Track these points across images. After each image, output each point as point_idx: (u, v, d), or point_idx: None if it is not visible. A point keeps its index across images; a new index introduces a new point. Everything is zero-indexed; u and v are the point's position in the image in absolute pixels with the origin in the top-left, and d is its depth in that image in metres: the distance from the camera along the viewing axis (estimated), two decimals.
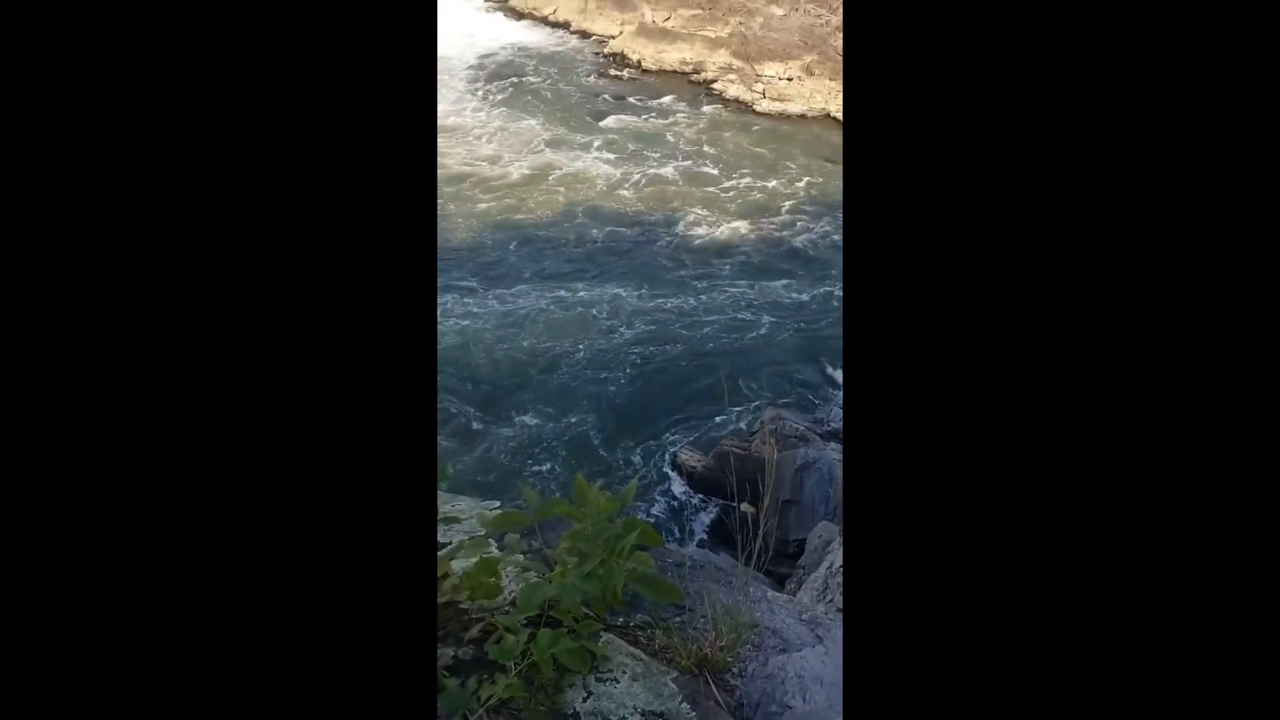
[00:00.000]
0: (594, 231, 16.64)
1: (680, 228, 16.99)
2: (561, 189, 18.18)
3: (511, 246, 16.08)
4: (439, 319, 13.98)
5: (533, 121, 21.40)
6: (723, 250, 16.32)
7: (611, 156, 19.64)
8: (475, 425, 11.72)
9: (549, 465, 11.14)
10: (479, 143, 20.23)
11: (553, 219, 17.09)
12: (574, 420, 11.92)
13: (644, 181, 18.67)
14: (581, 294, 14.73)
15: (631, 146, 20.24)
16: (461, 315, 14.16)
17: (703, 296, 14.88)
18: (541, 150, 19.91)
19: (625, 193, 18.18)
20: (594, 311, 14.28)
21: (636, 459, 11.34)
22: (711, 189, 18.49)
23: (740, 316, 14.37)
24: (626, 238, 16.59)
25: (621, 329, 13.87)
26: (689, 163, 19.61)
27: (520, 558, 1.65)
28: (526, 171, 18.82)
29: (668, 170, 19.15)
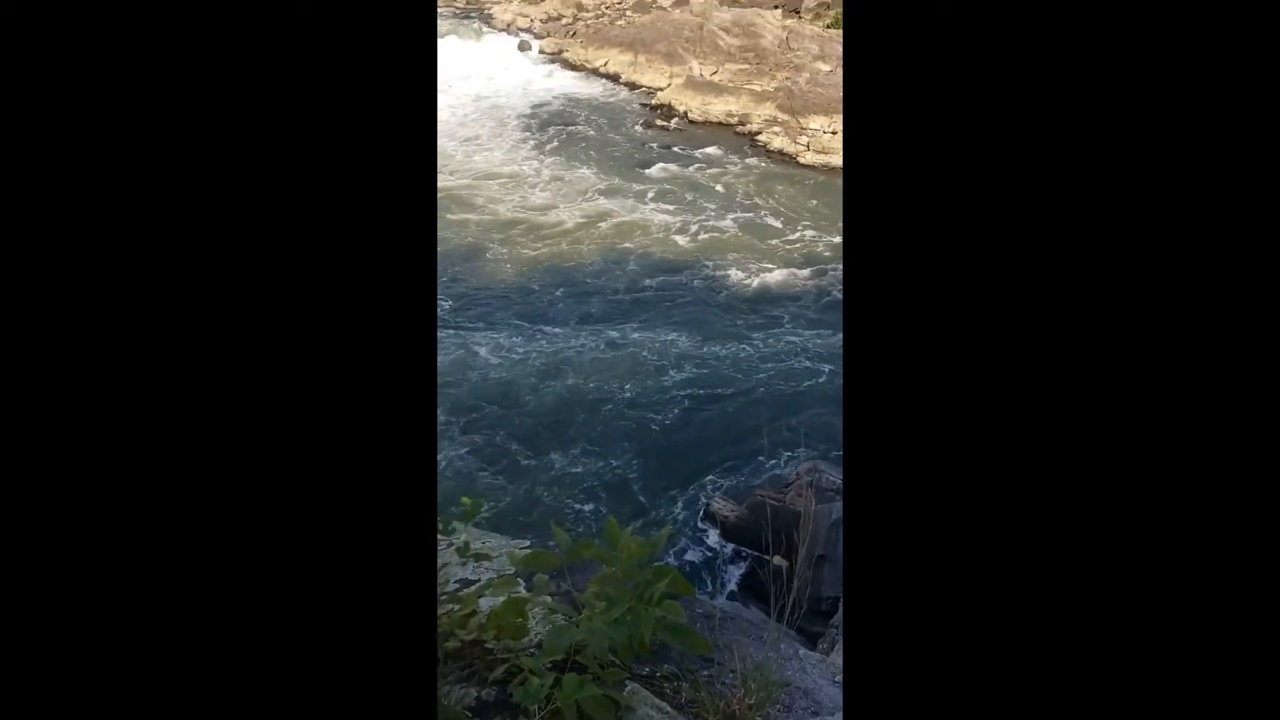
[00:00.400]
0: (648, 281, 16.68)
1: (739, 277, 16.97)
2: (616, 238, 18.38)
3: (559, 292, 16.19)
4: (487, 356, 14.13)
5: (587, 170, 21.84)
6: (782, 300, 16.23)
7: (670, 207, 19.76)
8: (520, 461, 11.71)
9: (591, 506, 11.05)
10: (533, 190, 20.67)
11: (606, 266, 17.22)
12: (616, 462, 11.83)
13: (701, 231, 18.72)
14: (634, 336, 14.71)
15: (690, 196, 20.37)
16: (509, 352, 14.29)
17: (758, 344, 14.71)
18: (596, 199, 20.21)
19: (682, 242, 18.23)
20: (644, 354, 14.24)
21: (677, 505, 11.19)
22: (774, 241, 18.46)
23: (800, 364, 14.13)
24: (682, 285, 16.56)
25: (671, 371, 13.77)
26: (750, 215, 19.63)
27: (548, 599, 1.64)
28: (580, 219, 19.09)
29: (726, 222, 19.15)
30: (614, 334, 14.85)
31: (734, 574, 10.21)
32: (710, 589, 9.77)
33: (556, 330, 14.94)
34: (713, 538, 10.67)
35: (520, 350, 14.39)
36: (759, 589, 9.38)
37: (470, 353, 14.33)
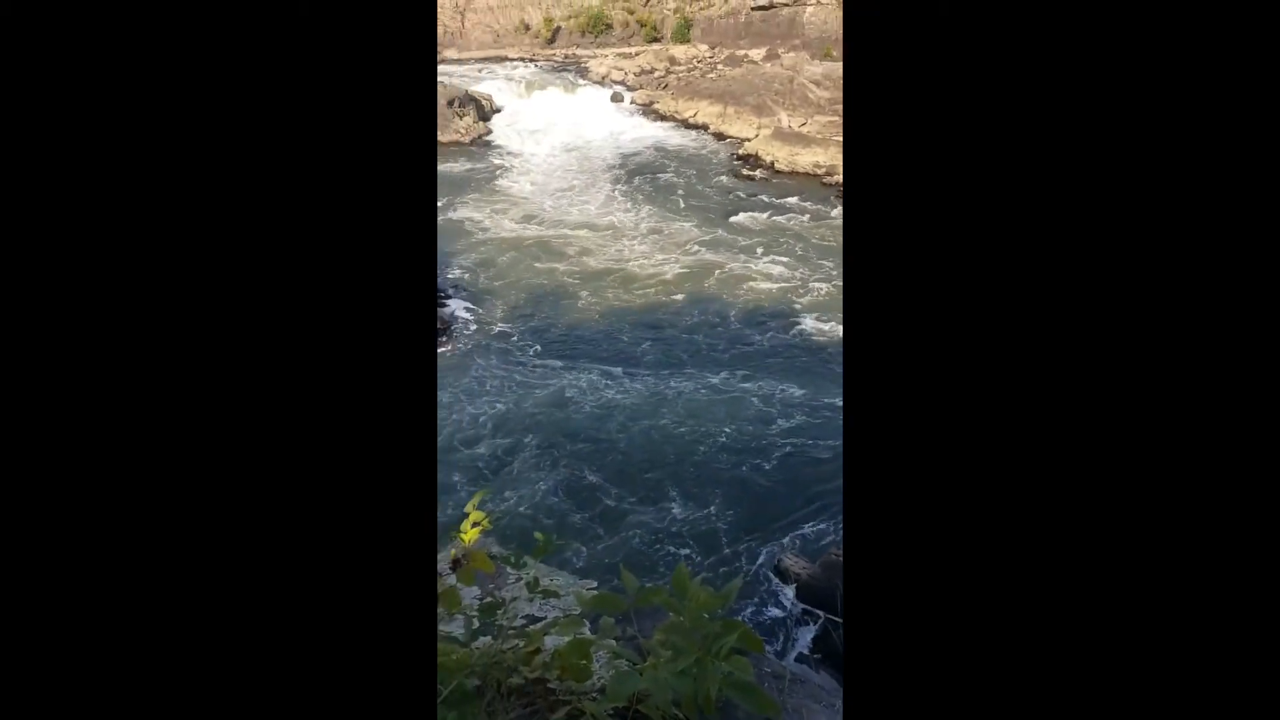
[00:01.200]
0: (754, 334, 16.48)
1: None
2: (721, 290, 18.35)
3: (653, 339, 16.19)
4: (579, 395, 14.24)
5: (684, 222, 22.02)
6: None
7: (784, 259, 19.64)
8: (608, 502, 11.63)
9: (687, 550, 10.78)
10: (630, 242, 21.00)
11: (706, 317, 17.14)
12: (710, 508, 11.55)
13: (814, 285, 18.45)
14: (742, 385, 14.45)
15: (799, 249, 20.14)
16: (602, 391, 14.34)
17: None
18: (695, 250, 20.33)
19: (794, 296, 18.00)
20: (750, 400, 13.97)
21: (760, 556, 10.86)
22: None
23: None
24: (793, 339, 16.24)
25: (779, 420, 13.41)
26: None
27: (613, 643, 1.61)
28: (680, 270, 19.23)
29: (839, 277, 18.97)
30: (715, 380, 14.62)
31: (804, 635, 9.80)
32: (780, 646, 9.40)
33: (651, 374, 14.90)
34: (782, 594, 10.30)
35: (614, 391, 14.42)
36: (831, 653, 8.95)
37: (562, 390, 14.47)
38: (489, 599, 1.76)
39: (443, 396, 14.20)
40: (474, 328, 16.93)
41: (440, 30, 48.00)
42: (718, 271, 19.12)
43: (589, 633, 1.63)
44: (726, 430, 13.13)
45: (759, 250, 20.20)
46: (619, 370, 15.05)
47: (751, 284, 18.50)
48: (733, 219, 22.35)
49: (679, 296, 18.03)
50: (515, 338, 16.42)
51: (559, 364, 15.40)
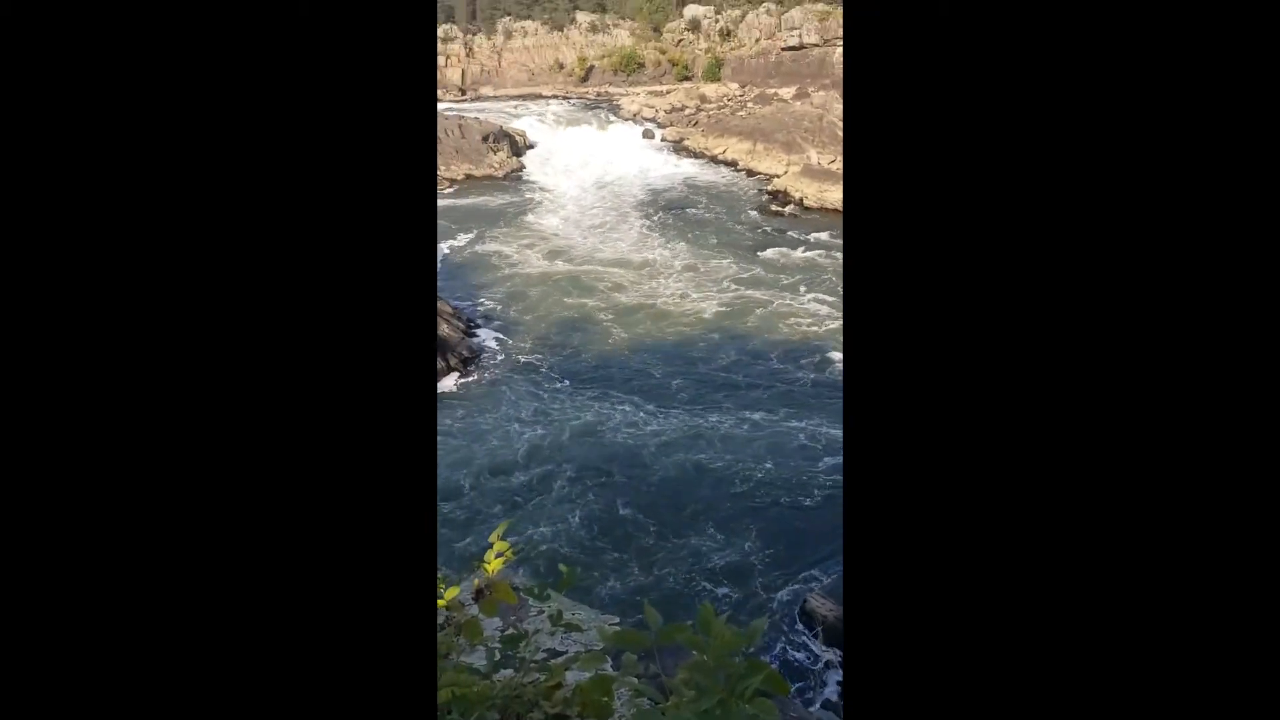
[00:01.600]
0: (796, 374, 16.26)
1: None
2: (761, 327, 18.20)
3: (690, 375, 16.04)
4: (613, 427, 14.12)
5: (723, 260, 22.04)
6: None
7: (829, 298, 19.50)
8: (644, 538, 11.44)
9: (724, 589, 10.53)
10: (667, 280, 21.05)
11: (743, 356, 16.98)
12: (747, 544, 11.33)
13: None
14: (786, 424, 14.22)
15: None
16: (637, 425, 14.21)
17: None
18: (734, 289, 20.28)
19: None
20: (794, 436, 13.76)
21: (789, 592, 10.60)
22: None
23: None
24: (828, 379, 15.95)
25: (824, 458, 13.13)
26: None
27: (635, 681, 1.59)
28: (720, 309, 19.16)
29: None
30: (756, 416, 14.35)
31: (832, 678, 9.52)
32: (811, 691, 9.14)
33: (686, 410, 14.71)
34: (809, 635, 10.05)
35: (650, 424, 14.24)
36: None
37: (594, 422, 14.35)
38: (511, 631, 1.75)
39: (479, 423, 14.26)
40: (501, 357, 17.07)
41: (477, 68, 49.46)
42: (758, 310, 18.95)
43: (611, 669, 1.61)
44: (766, 466, 12.91)
45: (801, 288, 20.02)
46: (652, 406, 14.92)
47: (792, 321, 18.28)
48: (762, 254, 22.36)
49: (715, 335, 17.88)
50: (545, 369, 16.49)
51: (590, 396, 15.39)
